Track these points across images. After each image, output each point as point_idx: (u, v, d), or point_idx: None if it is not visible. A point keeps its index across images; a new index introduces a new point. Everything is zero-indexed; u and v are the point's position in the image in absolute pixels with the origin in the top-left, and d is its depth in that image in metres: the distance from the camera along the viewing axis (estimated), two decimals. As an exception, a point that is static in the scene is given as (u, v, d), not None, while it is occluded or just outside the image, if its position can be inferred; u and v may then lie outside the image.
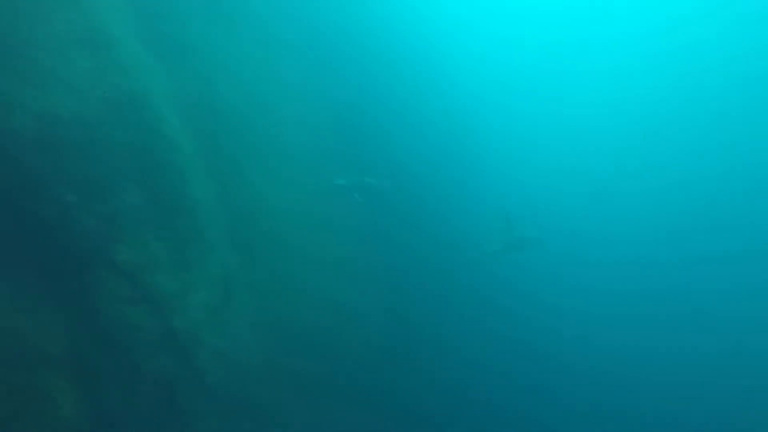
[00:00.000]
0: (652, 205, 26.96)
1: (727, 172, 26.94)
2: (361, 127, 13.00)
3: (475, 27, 23.41)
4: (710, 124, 28.05)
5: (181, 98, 8.25)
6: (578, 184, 27.21)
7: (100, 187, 6.36)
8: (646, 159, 28.74)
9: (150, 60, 7.88)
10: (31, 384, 5.52)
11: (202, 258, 7.64)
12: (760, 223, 24.32)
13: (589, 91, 31.07)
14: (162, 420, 6.75)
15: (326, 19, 12.92)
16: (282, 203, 9.96)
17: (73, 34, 6.40)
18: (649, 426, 14.90)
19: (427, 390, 12.26)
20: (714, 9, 27.54)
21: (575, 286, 20.45)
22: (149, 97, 7.46)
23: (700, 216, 25.91)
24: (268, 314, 8.79)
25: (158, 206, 7.06)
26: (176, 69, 8.37)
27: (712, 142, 27.61)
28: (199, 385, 7.00)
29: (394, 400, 11.31)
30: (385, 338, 11.93)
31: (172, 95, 8.05)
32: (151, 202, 6.94)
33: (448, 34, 18.79)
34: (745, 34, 26.76)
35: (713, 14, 27.48)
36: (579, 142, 29.59)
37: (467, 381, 13.51)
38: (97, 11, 6.86)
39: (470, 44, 21.52)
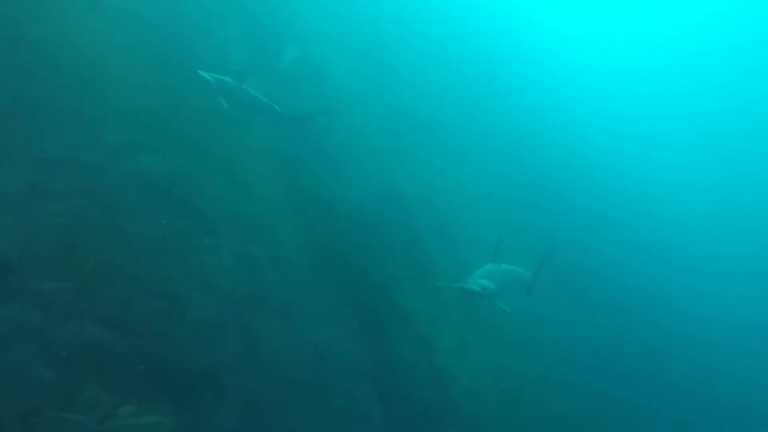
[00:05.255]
0: None
1: None
2: (536, 200, 15.05)
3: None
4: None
5: (415, 190, 10.86)
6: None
7: (383, 253, 8.80)
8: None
9: (395, 165, 10.73)
10: (348, 391, 7.55)
11: (444, 313, 9.52)
12: None
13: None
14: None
15: (495, 123, 15.65)
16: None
17: (368, 149, 9.40)
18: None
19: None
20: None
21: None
22: (400, 188, 10.21)
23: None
24: (493, 365, 10.16)
25: (416, 269, 9.28)
26: (408, 171, 11.10)
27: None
28: (456, 415, 8.45)
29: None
30: (587, 401, 12.38)
31: (411, 187, 10.70)
32: (413, 266, 9.21)
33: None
34: None
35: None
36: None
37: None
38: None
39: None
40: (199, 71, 7.14)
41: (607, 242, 16.53)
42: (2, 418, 4.18)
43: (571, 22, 24.44)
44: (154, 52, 6.93)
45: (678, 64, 28.96)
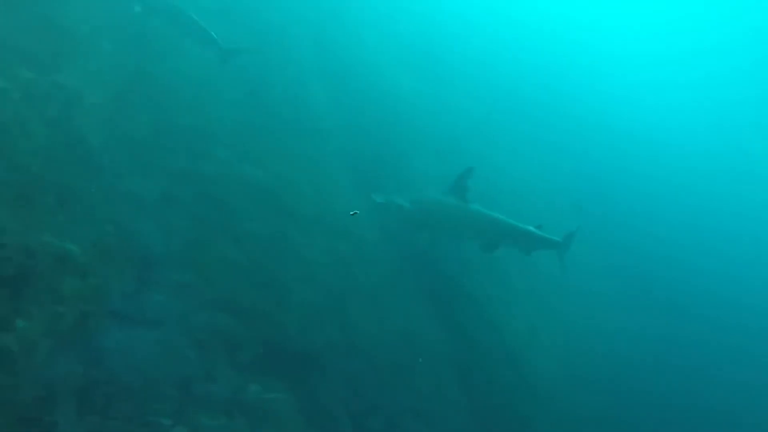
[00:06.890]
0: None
1: None
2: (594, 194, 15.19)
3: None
4: None
5: (475, 185, 11.31)
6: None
7: (452, 244, 9.33)
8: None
9: (455, 163, 11.25)
10: (433, 372, 8.06)
11: (514, 299, 9.95)
12: None
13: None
14: (501, 419, 8.63)
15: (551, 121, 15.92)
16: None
17: (430, 150, 9.99)
18: None
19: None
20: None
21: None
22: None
23: None
24: (564, 351, 10.45)
25: (483, 257, 9.74)
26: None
27: None
28: (534, 397, 8.82)
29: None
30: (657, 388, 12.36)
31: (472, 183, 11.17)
32: (480, 255, 9.66)
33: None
34: None
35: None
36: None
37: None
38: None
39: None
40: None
41: (669, 240, 16.51)
42: (164, 383, 4.97)
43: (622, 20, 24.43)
44: (242, 76, 7.82)
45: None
